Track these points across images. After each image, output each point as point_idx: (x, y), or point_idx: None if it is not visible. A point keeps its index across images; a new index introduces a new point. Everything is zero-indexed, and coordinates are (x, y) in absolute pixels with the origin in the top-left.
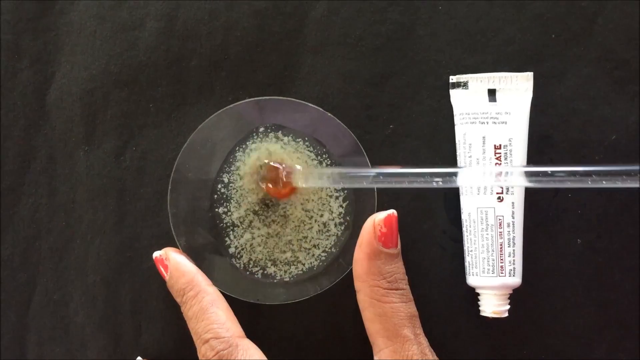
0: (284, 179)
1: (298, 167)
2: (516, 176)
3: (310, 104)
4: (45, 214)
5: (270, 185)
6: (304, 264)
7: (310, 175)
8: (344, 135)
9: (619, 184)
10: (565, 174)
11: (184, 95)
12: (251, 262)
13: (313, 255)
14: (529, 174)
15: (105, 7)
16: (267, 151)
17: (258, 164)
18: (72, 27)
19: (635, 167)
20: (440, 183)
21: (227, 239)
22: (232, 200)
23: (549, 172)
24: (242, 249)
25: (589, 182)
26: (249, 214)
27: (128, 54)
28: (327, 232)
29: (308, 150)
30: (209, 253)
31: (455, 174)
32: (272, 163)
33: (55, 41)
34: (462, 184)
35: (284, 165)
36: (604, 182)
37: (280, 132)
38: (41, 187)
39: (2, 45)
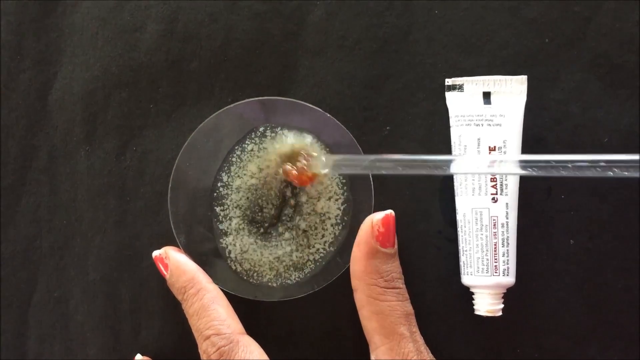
0: (307, 166)
1: (320, 155)
2: (509, 164)
3: (309, 105)
4: (46, 213)
5: (294, 171)
6: (302, 270)
7: (332, 161)
8: (342, 136)
9: (600, 173)
10: (557, 162)
11: (184, 96)
12: (249, 267)
13: (310, 260)
14: (522, 162)
15: (107, 9)
16: (285, 145)
17: (283, 150)
18: (74, 28)
19: (625, 157)
20: (435, 170)
21: (224, 238)
22: (230, 200)
23: (542, 160)
24: (241, 251)
25: (583, 171)
26: (245, 219)
27: (129, 55)
28: (324, 232)
29: (316, 145)
30: (209, 251)
31: (449, 162)
32: (298, 149)
33: (58, 42)
34: (455, 171)
35: (308, 153)
36: (597, 169)
37: (284, 129)
38: (42, 186)
39: (4, 46)
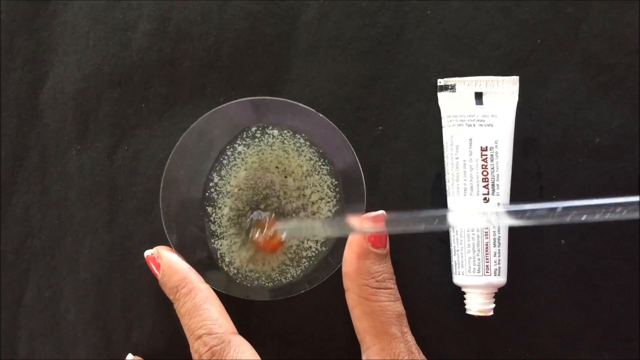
0: (271, 234)
1: (283, 222)
2: (503, 216)
3: (301, 105)
4: (37, 212)
5: (258, 240)
6: (294, 270)
7: (297, 227)
8: (334, 136)
9: (598, 218)
10: (546, 211)
11: (176, 96)
12: (240, 267)
13: (302, 260)
14: (513, 213)
15: (99, 8)
16: (257, 162)
17: (247, 221)
18: (65, 27)
19: (616, 200)
20: (430, 227)
21: (216, 238)
22: (222, 200)
23: (530, 210)
24: (233, 251)
25: (569, 218)
26: (237, 220)
27: (121, 54)
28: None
29: (308, 145)
30: (200, 251)
31: (444, 217)
32: (257, 218)
33: (49, 41)
34: (451, 226)
35: (271, 218)
36: (584, 216)
37: (275, 129)
38: (34, 185)
39: None
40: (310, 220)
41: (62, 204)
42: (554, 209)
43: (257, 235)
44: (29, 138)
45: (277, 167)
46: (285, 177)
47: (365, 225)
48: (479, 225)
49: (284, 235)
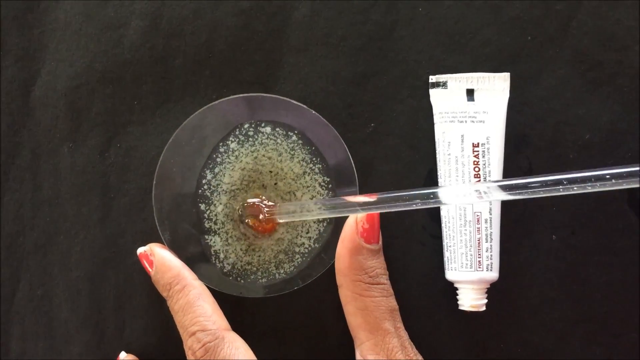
0: (266, 215)
1: (277, 203)
2: (494, 191)
3: (294, 101)
4: (29, 210)
5: (252, 222)
6: (287, 266)
7: (290, 208)
8: (327, 132)
9: (589, 189)
10: (539, 184)
11: (169, 93)
12: (234, 264)
13: (295, 256)
14: (505, 188)
15: (91, 5)
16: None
17: (240, 203)
18: (57, 24)
19: (605, 171)
20: (420, 204)
21: (209, 235)
22: (215, 198)
23: (523, 184)
24: (226, 249)
25: (561, 190)
26: (230, 217)
27: (113, 51)
28: (309, 229)
29: (300, 145)
30: (194, 248)
31: (435, 194)
32: (251, 200)
33: (41, 38)
34: (443, 203)
35: (264, 202)
36: (574, 188)
37: (268, 127)
38: (25, 182)
39: None
40: (305, 201)
41: (54, 202)
42: (545, 182)
43: (252, 219)
44: (21, 135)
45: (270, 171)
46: (276, 183)
47: (359, 198)
48: (471, 201)
49: (279, 217)
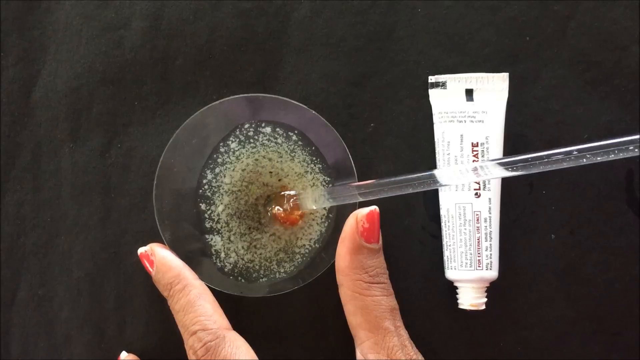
0: (292, 205)
1: (300, 191)
2: (492, 168)
3: (294, 102)
4: (30, 210)
5: (280, 214)
6: (288, 266)
7: (314, 196)
8: (327, 133)
9: (584, 161)
10: (534, 159)
11: (169, 94)
12: (234, 263)
13: (295, 256)
14: (502, 164)
15: (91, 6)
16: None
17: (267, 194)
18: (58, 25)
19: (600, 143)
20: (420, 187)
21: (210, 235)
22: (216, 198)
23: (520, 160)
24: (227, 248)
25: (563, 163)
26: (230, 217)
27: (113, 52)
28: (310, 228)
29: (301, 146)
30: (194, 248)
31: (433, 177)
32: (281, 193)
33: (41, 39)
34: (441, 184)
35: (290, 193)
36: (571, 157)
37: (268, 127)
38: (26, 183)
39: None
40: (319, 189)
41: (55, 202)
42: (540, 157)
43: (277, 209)
44: (22, 136)
45: (270, 172)
46: (280, 179)
47: (357, 184)
48: (469, 179)
49: (304, 207)
